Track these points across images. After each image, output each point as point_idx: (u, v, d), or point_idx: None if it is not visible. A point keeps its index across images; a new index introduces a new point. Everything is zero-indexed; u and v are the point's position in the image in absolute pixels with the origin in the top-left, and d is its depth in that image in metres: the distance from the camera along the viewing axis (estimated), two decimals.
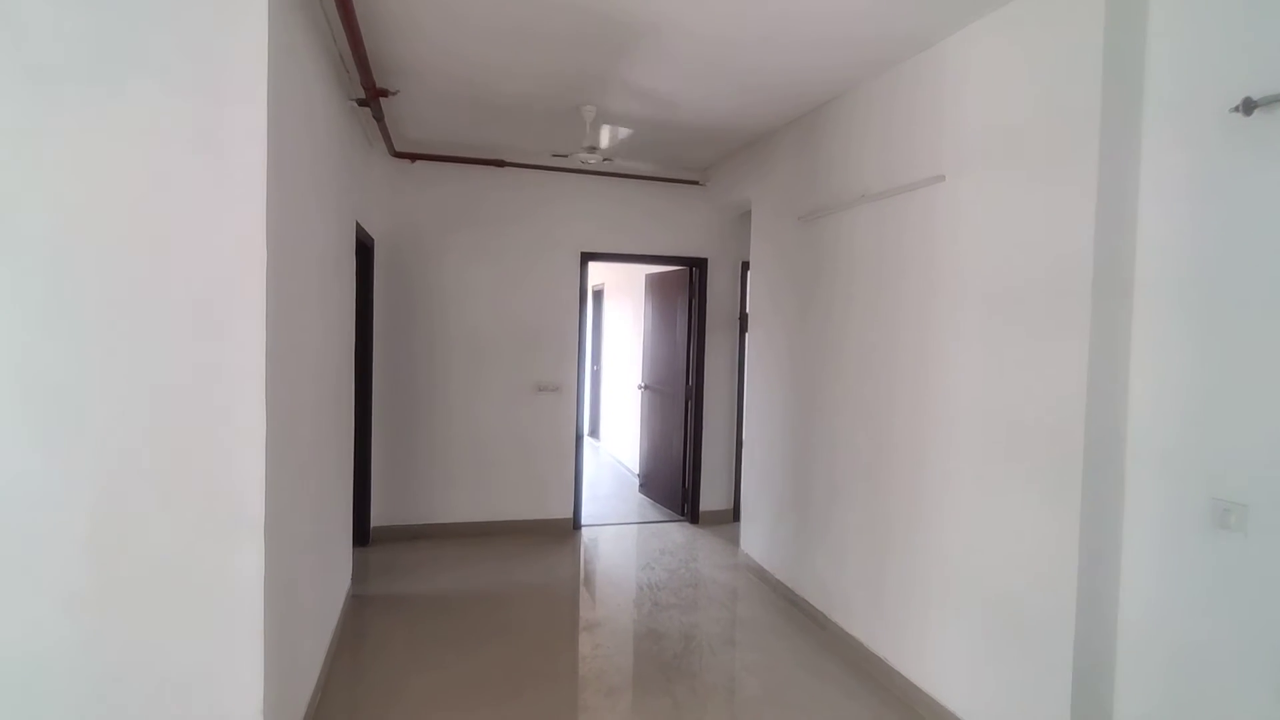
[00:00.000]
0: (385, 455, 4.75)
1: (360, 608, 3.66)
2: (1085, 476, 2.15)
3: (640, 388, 6.40)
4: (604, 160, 3.80)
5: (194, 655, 1.85)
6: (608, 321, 8.78)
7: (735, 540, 4.78)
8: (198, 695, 1.85)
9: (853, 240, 3.38)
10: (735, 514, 5.39)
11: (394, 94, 3.36)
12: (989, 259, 2.51)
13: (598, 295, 9.36)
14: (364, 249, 4.46)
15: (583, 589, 4.10)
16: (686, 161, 5.03)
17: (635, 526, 5.37)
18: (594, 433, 9.50)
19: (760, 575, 4.23)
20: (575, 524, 5.17)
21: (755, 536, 4.39)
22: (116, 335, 1.77)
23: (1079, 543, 2.15)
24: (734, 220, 5.36)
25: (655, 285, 6.12)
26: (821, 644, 3.38)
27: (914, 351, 2.90)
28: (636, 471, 6.57)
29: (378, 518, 4.74)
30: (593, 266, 9.52)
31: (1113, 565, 2.16)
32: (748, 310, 4.65)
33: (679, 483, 5.55)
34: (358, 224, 4.05)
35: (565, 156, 3.81)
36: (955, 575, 2.65)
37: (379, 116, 3.71)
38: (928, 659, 2.79)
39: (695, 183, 5.24)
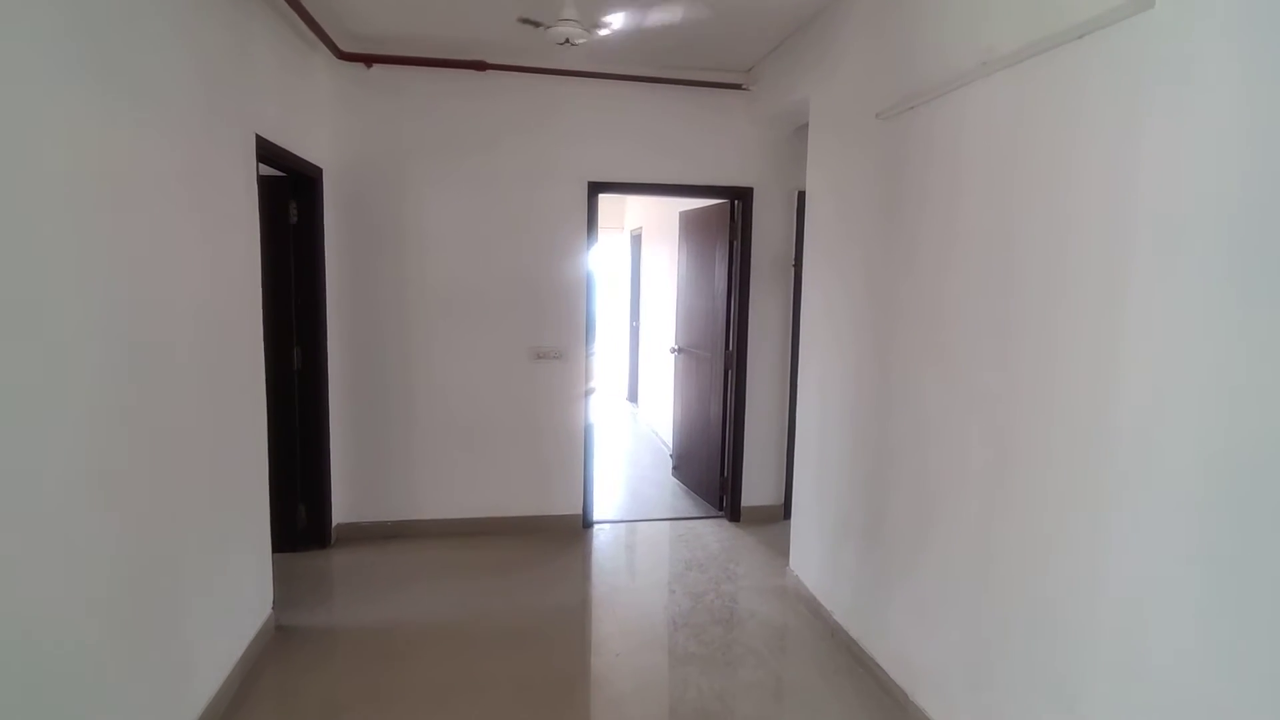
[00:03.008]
0: (348, 439, 3.86)
1: (281, 648, 2.79)
2: None
3: (673, 351, 5.31)
4: (593, 32, 2.63)
5: None
6: (646, 270, 7.59)
7: (784, 550, 3.71)
8: None
9: (964, 136, 2.17)
10: (786, 510, 4.31)
11: None
12: (1256, 157, 1.31)
13: (636, 240, 8.21)
14: (306, 182, 3.49)
15: (577, 626, 3.13)
16: (724, 60, 3.82)
17: (663, 525, 4.35)
18: (632, 398, 8.52)
19: (814, 610, 3.16)
20: (585, 521, 4.20)
21: (808, 554, 3.32)
22: None
23: None
24: (787, 138, 4.13)
25: (689, 225, 4.95)
26: None
27: (1089, 320, 1.72)
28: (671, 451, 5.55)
29: (341, 514, 3.89)
30: (631, 204, 8.41)
31: None
32: (804, 253, 3.47)
33: (716, 470, 4.49)
34: (291, 152, 3.09)
35: (538, 25, 2.65)
36: (1163, 692, 1.53)
37: None
38: None
39: (737, 86, 4.02)
